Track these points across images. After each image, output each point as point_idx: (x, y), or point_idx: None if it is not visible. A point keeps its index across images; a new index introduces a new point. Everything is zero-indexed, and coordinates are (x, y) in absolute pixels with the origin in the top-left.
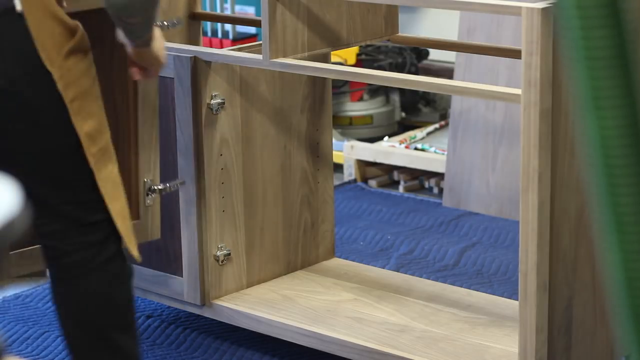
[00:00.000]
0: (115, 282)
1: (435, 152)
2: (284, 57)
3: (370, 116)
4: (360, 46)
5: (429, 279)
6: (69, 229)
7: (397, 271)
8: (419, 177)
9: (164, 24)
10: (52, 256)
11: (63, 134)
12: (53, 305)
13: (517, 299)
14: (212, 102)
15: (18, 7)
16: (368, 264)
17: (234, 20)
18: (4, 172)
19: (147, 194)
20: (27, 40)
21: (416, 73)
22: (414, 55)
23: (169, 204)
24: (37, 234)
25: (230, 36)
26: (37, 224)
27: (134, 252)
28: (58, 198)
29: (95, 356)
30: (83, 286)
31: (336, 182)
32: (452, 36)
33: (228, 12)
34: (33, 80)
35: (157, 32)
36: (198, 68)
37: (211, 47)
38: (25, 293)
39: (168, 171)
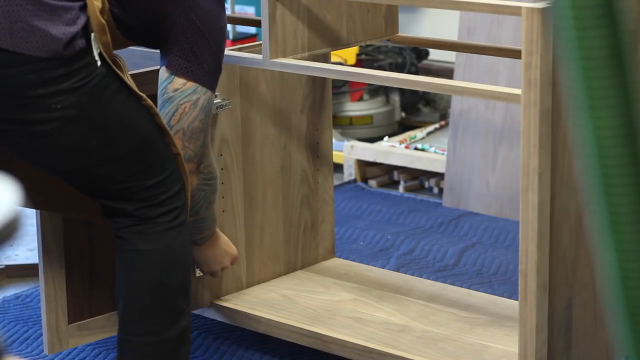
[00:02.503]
0: (188, 244)
1: (435, 152)
2: (284, 57)
3: (370, 116)
4: (360, 46)
5: (429, 279)
6: (150, 207)
7: (397, 271)
8: (419, 177)
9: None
10: (129, 224)
11: (150, 125)
12: (121, 266)
13: (517, 299)
14: None
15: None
16: (368, 264)
17: (234, 20)
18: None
19: None
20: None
21: (416, 73)
22: (414, 55)
23: None
24: (119, 214)
25: (230, 36)
26: (121, 208)
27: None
28: (145, 182)
29: (158, 316)
30: (163, 243)
31: (336, 182)
32: (452, 36)
33: (228, 12)
34: (97, 101)
35: (221, 246)
36: None
37: None
38: (25, 293)
39: None
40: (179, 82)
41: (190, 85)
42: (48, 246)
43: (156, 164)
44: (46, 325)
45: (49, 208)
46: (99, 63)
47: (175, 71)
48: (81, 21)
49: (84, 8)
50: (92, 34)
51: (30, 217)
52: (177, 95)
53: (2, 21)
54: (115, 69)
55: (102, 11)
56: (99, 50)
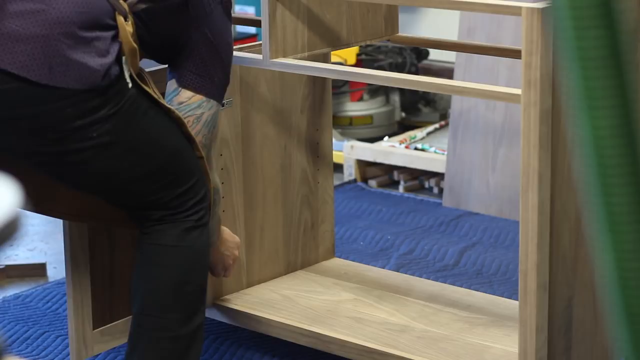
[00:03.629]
0: (208, 244)
1: (435, 152)
2: (284, 57)
3: (370, 116)
4: (360, 46)
5: (429, 279)
6: (178, 212)
7: (397, 271)
8: (419, 177)
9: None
10: (155, 223)
11: (180, 137)
12: (143, 261)
13: (517, 299)
14: None
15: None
16: (368, 264)
17: (234, 20)
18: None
19: None
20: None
21: (416, 73)
22: (414, 55)
23: None
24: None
25: None
26: (152, 214)
27: None
28: (175, 191)
29: (175, 312)
30: (187, 240)
31: (336, 182)
32: (452, 36)
33: None
34: (132, 126)
35: (227, 239)
36: None
37: None
38: (25, 293)
39: None
40: (185, 95)
41: (197, 99)
42: (74, 252)
43: (185, 172)
44: (74, 332)
45: (71, 217)
46: (130, 85)
47: (183, 84)
48: (114, 50)
49: (115, 36)
50: (124, 58)
51: (31, 218)
52: (181, 108)
53: (40, 57)
54: (143, 85)
55: (132, 35)
56: (129, 73)
